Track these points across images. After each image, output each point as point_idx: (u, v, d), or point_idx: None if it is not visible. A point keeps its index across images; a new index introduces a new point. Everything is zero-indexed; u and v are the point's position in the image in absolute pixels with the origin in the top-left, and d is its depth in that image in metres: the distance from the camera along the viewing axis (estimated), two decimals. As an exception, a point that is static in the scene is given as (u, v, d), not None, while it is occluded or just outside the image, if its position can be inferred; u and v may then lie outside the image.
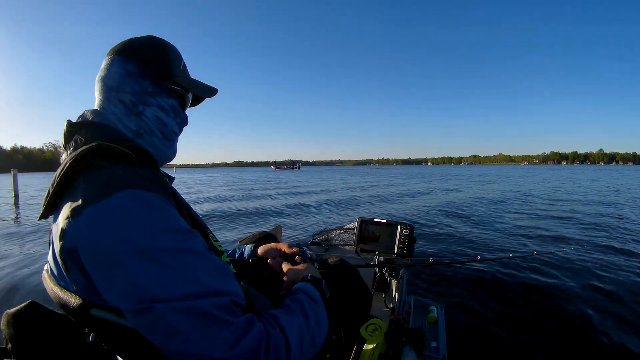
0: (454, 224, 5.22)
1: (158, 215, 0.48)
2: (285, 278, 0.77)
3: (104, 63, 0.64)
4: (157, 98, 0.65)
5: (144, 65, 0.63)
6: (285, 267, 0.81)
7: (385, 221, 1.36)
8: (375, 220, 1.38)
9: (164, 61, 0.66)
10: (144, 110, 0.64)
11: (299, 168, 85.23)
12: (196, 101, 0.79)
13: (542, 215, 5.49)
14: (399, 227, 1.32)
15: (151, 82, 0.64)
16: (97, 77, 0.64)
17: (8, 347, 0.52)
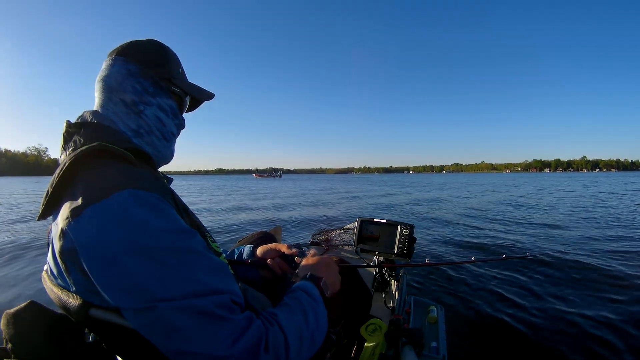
0: (451, 226, 5.22)
1: (157, 215, 0.48)
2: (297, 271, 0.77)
3: (105, 64, 0.65)
4: (157, 98, 0.65)
5: (145, 65, 0.64)
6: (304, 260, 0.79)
7: (385, 221, 1.36)
8: (375, 220, 1.38)
9: (165, 63, 0.67)
10: (145, 109, 0.64)
11: (280, 176, 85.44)
12: (193, 106, 0.79)
13: (531, 220, 5.47)
14: (399, 227, 1.32)
15: (152, 82, 0.65)
16: (98, 78, 0.64)
17: (8, 347, 0.52)
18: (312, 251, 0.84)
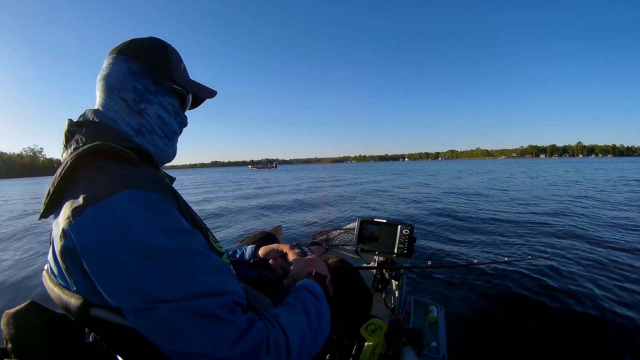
0: (451, 226, 5.22)
1: (159, 215, 0.48)
2: (290, 268, 0.78)
3: (105, 62, 0.64)
4: (158, 97, 0.65)
5: (146, 64, 0.64)
6: (292, 256, 0.81)
7: (385, 221, 1.36)
8: (375, 220, 1.38)
9: (166, 61, 0.66)
10: (146, 108, 0.64)
11: (275, 167, 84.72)
12: (195, 104, 0.79)
13: (533, 221, 5.42)
14: (399, 226, 1.32)
15: (153, 81, 0.65)
16: (99, 77, 0.64)
17: (8, 347, 0.52)
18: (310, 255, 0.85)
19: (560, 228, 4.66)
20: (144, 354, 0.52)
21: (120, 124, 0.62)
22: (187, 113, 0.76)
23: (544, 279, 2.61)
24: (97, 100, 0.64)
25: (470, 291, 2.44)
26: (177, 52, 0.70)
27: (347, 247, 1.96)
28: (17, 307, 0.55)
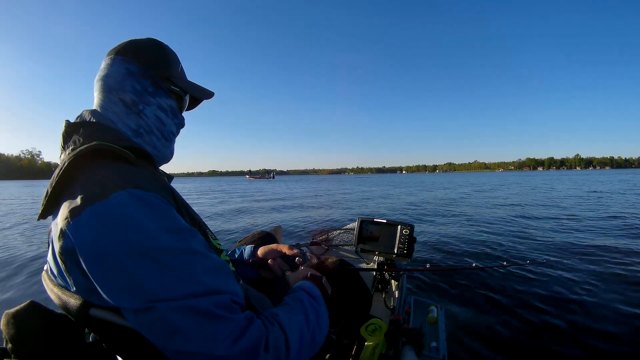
0: (451, 229, 5.21)
1: (157, 215, 0.48)
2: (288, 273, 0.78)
3: (104, 63, 0.64)
4: (157, 98, 0.65)
5: (144, 65, 0.64)
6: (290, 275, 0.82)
7: (385, 221, 1.36)
8: (375, 220, 1.38)
9: (164, 62, 0.66)
10: (144, 109, 0.64)
11: (273, 177, 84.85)
12: (192, 105, 0.79)
13: (532, 226, 5.38)
14: (399, 227, 1.32)
15: (151, 82, 0.64)
16: (97, 77, 0.64)
17: (8, 347, 0.52)
18: (298, 260, 0.86)
19: (559, 235, 4.65)
20: (144, 354, 0.52)
21: (119, 124, 0.62)
22: (184, 114, 0.76)
23: (542, 283, 2.61)
24: (95, 100, 0.64)
25: (470, 292, 2.44)
26: (174, 53, 0.70)
27: (347, 247, 1.95)
28: (17, 307, 0.55)
